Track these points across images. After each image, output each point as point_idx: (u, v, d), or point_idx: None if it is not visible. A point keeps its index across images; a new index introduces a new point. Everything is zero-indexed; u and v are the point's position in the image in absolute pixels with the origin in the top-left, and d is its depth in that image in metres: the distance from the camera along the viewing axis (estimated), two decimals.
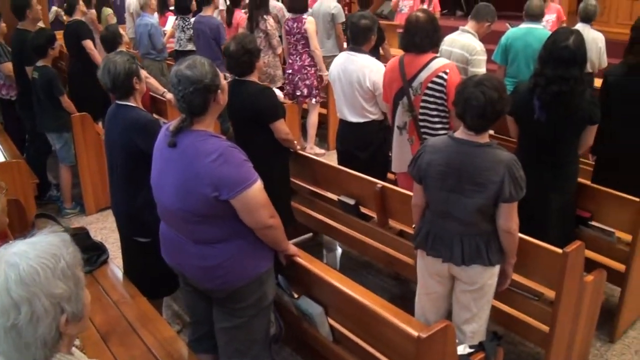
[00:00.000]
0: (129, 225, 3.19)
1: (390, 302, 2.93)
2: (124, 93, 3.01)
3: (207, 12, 6.53)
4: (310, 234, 4.57)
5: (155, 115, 5.50)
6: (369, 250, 3.66)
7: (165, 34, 7.29)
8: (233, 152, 2.27)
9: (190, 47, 6.76)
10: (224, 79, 2.38)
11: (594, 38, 5.46)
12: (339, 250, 4.46)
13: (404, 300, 3.00)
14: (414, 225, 2.91)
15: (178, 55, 6.74)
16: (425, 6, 8.69)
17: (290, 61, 6.18)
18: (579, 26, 5.38)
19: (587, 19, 5.64)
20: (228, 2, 7.26)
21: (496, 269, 2.65)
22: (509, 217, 2.50)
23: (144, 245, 3.10)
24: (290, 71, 6.16)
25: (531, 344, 3.27)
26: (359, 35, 3.87)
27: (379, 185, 3.40)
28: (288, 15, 6.12)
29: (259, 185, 2.29)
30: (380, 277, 4.10)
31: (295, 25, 5.94)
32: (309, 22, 5.92)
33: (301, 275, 2.75)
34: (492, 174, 2.43)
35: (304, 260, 2.74)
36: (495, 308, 2.94)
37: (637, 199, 3.16)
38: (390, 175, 4.10)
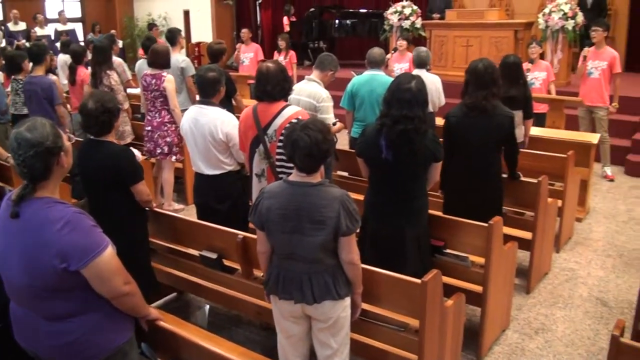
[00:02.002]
0: None
1: (263, 354, 2.87)
2: None
3: (37, 71, 6.13)
4: (175, 294, 4.39)
5: None
6: (236, 304, 3.58)
7: (9, 95, 6.74)
8: (80, 218, 2.13)
9: (27, 110, 6.32)
10: (68, 140, 2.25)
11: (431, 81, 5.93)
12: (206, 308, 4.31)
13: (277, 350, 2.96)
14: (262, 275, 2.91)
15: (16, 119, 6.25)
16: (282, 58, 8.99)
17: (149, 118, 5.90)
18: (416, 71, 5.81)
19: (422, 64, 6.17)
20: (70, 60, 6.96)
21: (347, 301, 2.72)
22: (349, 250, 2.60)
23: None
24: (149, 128, 5.87)
25: None
26: (208, 87, 3.87)
27: (240, 236, 3.36)
28: (147, 70, 5.91)
29: (110, 251, 2.16)
30: (251, 330, 4.01)
31: (153, 81, 5.69)
32: (168, 81, 5.69)
33: (166, 339, 2.61)
34: (329, 211, 2.52)
35: (168, 323, 2.62)
36: (364, 344, 2.99)
37: (485, 224, 3.40)
38: (251, 225, 4.06)
